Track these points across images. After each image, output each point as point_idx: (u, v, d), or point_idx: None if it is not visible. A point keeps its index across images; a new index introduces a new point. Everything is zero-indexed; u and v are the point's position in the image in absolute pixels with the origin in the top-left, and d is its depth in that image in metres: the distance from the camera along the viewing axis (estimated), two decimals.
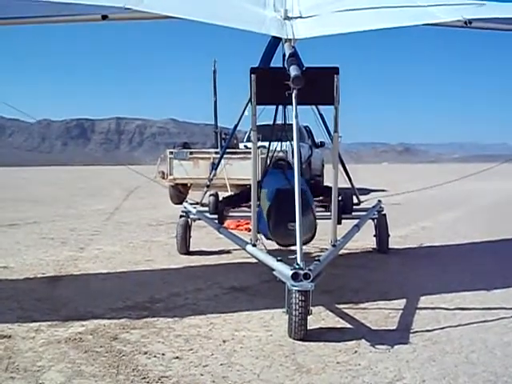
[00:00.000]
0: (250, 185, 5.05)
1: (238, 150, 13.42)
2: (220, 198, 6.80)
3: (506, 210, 12.99)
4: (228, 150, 10.29)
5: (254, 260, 5.10)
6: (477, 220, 10.90)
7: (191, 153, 14.05)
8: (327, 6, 5.25)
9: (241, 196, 6.71)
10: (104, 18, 5.09)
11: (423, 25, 5.04)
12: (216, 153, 13.03)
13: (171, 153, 14.01)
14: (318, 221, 5.29)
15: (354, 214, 6.60)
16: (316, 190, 5.90)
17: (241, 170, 11.79)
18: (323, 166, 19.91)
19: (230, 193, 10.42)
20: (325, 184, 18.48)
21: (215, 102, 15.48)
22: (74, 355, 3.38)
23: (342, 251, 5.82)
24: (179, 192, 13.99)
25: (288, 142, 6.79)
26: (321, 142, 18.51)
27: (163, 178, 13.90)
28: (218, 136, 15.07)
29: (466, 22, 4.71)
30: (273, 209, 5.15)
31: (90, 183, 28.94)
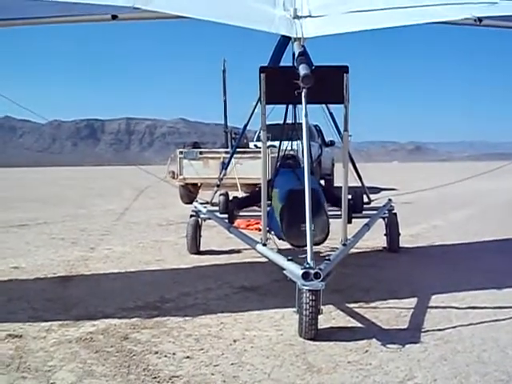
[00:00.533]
0: (260, 184, 5.04)
1: (248, 150, 13.41)
2: (230, 198, 6.80)
3: None
4: (238, 150, 10.29)
5: (265, 259, 5.10)
6: (488, 219, 10.86)
7: (201, 152, 14.03)
8: (337, 7, 5.24)
9: (251, 197, 6.69)
10: (114, 17, 5.10)
11: (432, 23, 5.02)
12: (226, 152, 13.01)
13: (181, 152, 13.98)
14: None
15: (364, 212, 6.59)
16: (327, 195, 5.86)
17: (251, 169, 11.77)
18: (333, 165, 19.90)
19: (240, 192, 10.43)
20: (335, 184, 18.69)
21: (225, 102, 15.44)
22: (85, 355, 3.39)
23: (353, 250, 5.81)
24: (189, 192, 13.96)
25: (298, 141, 6.79)
26: (331, 141, 18.52)
27: (173, 177, 13.87)
28: (228, 135, 15.06)
29: (476, 20, 4.68)
30: (285, 210, 5.14)
31: (100, 183, 29.01)
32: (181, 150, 14.20)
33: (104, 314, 4.26)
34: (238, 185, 11.04)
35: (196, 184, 14.13)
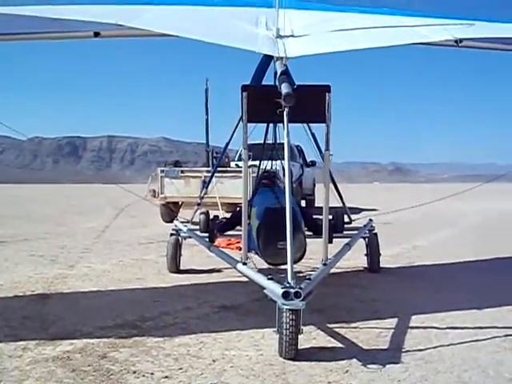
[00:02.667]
0: (241, 204, 5.02)
1: (229, 169, 13.44)
2: (211, 217, 6.78)
3: (494, 230, 13.00)
4: (219, 169, 10.30)
5: (245, 278, 5.07)
6: (467, 239, 10.92)
7: (182, 171, 14.08)
8: (319, 26, 5.30)
9: (233, 219, 6.64)
10: (96, 35, 5.10)
11: (413, 44, 5.09)
12: (207, 171, 13.03)
13: (162, 171, 14.01)
14: (309, 239, 5.28)
15: (345, 232, 6.60)
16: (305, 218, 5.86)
17: (232, 188, 11.80)
18: (314, 185, 19.98)
19: (221, 211, 10.40)
20: (316, 204, 18.73)
21: (207, 121, 15.51)
22: (62, 374, 3.34)
23: (334, 270, 5.80)
24: (170, 210, 13.93)
25: (279, 161, 6.80)
26: (312, 161, 18.60)
27: (154, 196, 13.92)
28: (210, 154, 15.10)
29: (456, 41, 4.75)
30: (262, 228, 5.14)
31: (81, 201, 28.82)
32: (162, 168, 14.21)
33: (82, 333, 4.20)
34: (219, 204, 11.03)
35: (177, 203, 14.14)
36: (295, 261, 4.86)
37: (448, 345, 3.97)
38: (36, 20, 4.79)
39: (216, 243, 6.72)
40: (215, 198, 10.89)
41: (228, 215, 7.73)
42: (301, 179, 17.43)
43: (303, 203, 18.46)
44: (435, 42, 5.20)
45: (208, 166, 14.45)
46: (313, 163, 18.56)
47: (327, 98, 4.45)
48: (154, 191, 14.00)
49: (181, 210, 13.88)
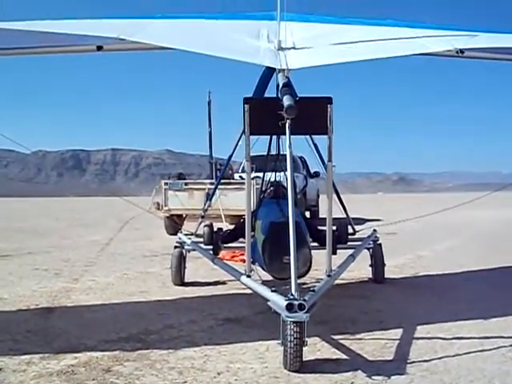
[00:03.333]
0: (244, 216, 5.02)
1: (232, 181, 13.45)
2: (215, 229, 6.77)
3: (499, 240, 12.96)
4: (223, 181, 10.31)
5: (249, 291, 5.06)
6: (472, 249, 10.89)
7: (186, 184, 14.08)
8: (321, 38, 5.32)
9: (236, 230, 6.63)
10: (99, 48, 5.11)
11: (416, 55, 5.10)
12: (211, 184, 13.05)
13: (166, 184, 14.02)
14: (313, 251, 5.28)
15: (349, 243, 6.58)
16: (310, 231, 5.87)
17: (236, 200, 11.79)
18: (318, 196, 20.03)
19: (225, 223, 10.40)
20: (320, 215, 18.73)
21: (210, 133, 15.56)
22: None
23: (338, 281, 5.79)
24: (174, 223, 13.93)
25: (283, 173, 6.81)
26: (315, 172, 18.62)
27: (158, 208, 13.91)
28: (213, 167, 15.12)
29: (457, 52, 4.76)
30: (267, 242, 5.14)
31: (85, 214, 28.87)
32: (166, 181, 14.24)
33: (86, 346, 4.19)
34: (223, 216, 11.04)
35: (181, 215, 14.16)
36: (301, 275, 4.87)
37: (454, 355, 3.95)
38: (38, 35, 4.83)
39: (220, 255, 6.71)
40: (219, 210, 10.91)
41: (232, 227, 7.73)
42: (305, 190, 17.46)
43: (307, 214, 18.51)
44: (437, 52, 5.21)
45: (212, 179, 14.47)
46: (316, 174, 18.58)
47: (329, 109, 4.46)
48: (158, 204, 13.98)
49: (185, 222, 13.90)
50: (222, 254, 7.34)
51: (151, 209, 13.40)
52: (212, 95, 15.56)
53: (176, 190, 13.82)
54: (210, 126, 15.53)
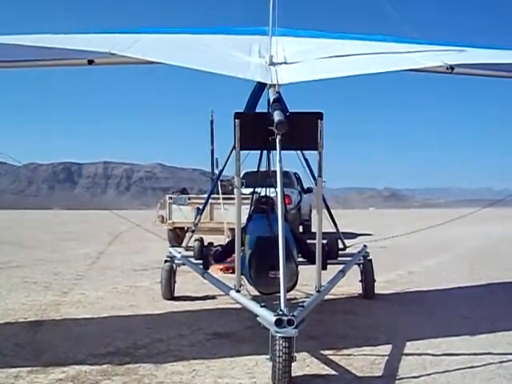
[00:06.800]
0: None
1: (233, 196, 13.52)
2: (205, 243, 6.75)
3: (489, 255, 12.99)
4: (224, 196, 11.11)
5: (239, 305, 5.06)
6: (462, 265, 10.89)
7: (189, 198, 14.68)
8: (311, 53, 5.36)
9: (228, 247, 6.58)
10: (90, 62, 5.13)
11: (406, 70, 5.14)
12: (214, 198, 13.25)
13: (170, 198, 14.64)
14: (302, 266, 5.28)
15: (339, 259, 6.56)
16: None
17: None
18: (311, 211, 20.22)
19: (225, 236, 10.46)
20: (312, 229, 18.78)
21: (212, 151, 15.86)
22: None
23: (327, 297, 5.79)
24: (177, 235, 14.56)
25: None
26: (308, 187, 18.71)
27: (162, 221, 14.57)
28: (215, 182, 15.27)
29: (448, 68, 4.81)
30: (253, 257, 5.14)
31: (76, 227, 28.71)
32: (170, 195, 14.89)
33: (74, 360, 4.18)
34: (225, 229, 11.15)
35: (183, 228, 14.57)
36: (287, 290, 4.85)
37: (443, 371, 3.96)
38: (31, 48, 4.85)
39: (214, 266, 6.69)
40: (221, 223, 11.13)
41: (224, 243, 7.71)
42: (299, 205, 17.63)
43: (300, 228, 18.62)
44: (427, 68, 5.25)
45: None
46: (309, 190, 18.68)
47: (319, 125, 4.46)
48: (163, 217, 14.61)
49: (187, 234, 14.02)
50: (213, 267, 7.31)
51: (156, 222, 14.31)
52: (215, 114, 15.83)
53: (180, 204, 14.47)
54: (212, 143, 15.94)
